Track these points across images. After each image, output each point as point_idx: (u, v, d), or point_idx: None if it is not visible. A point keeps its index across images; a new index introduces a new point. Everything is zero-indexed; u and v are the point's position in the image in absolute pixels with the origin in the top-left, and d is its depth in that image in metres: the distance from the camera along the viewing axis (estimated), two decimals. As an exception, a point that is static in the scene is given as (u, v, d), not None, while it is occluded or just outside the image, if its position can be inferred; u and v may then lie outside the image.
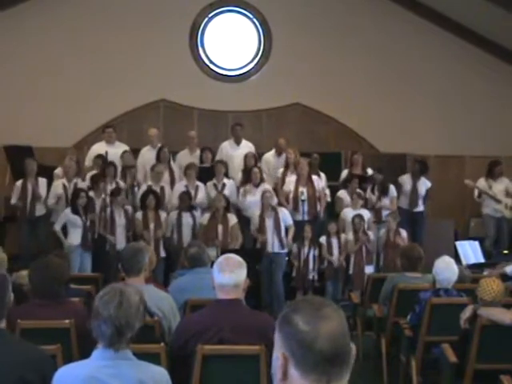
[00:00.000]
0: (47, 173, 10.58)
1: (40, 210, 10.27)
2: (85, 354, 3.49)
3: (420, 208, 10.99)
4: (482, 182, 11.48)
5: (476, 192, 11.49)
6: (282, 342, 1.89)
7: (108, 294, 3.23)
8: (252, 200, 10.13)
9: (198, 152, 11.14)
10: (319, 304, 1.92)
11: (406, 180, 11.09)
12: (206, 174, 10.54)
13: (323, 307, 1.89)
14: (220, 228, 9.63)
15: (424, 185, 11.06)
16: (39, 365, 3.27)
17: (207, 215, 9.82)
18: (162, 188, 10.26)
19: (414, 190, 10.95)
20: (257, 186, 10.19)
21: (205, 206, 10.25)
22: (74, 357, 4.20)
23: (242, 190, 10.35)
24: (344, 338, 1.85)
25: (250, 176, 10.30)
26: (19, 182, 10.30)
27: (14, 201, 10.32)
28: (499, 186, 11.42)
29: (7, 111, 12.55)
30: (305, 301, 1.98)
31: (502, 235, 11.38)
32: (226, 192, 10.23)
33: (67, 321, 4.48)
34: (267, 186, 10.24)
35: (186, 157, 11.04)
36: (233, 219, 9.76)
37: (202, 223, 9.78)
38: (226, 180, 10.43)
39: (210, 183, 10.37)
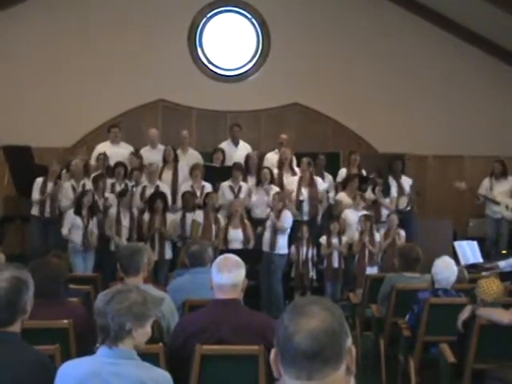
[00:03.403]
0: (46, 173, 10.56)
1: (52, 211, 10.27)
2: (83, 353, 3.49)
3: (407, 207, 10.95)
4: (485, 183, 11.46)
5: (479, 197, 11.45)
6: (275, 339, 1.92)
7: (107, 292, 3.30)
8: (258, 200, 10.14)
9: (190, 151, 11.16)
10: (307, 302, 1.94)
11: (390, 182, 11.00)
12: (213, 173, 10.54)
13: (309, 305, 1.91)
14: (214, 228, 9.64)
15: (407, 182, 11.01)
16: (39, 368, 3.26)
17: (201, 213, 9.79)
18: (157, 187, 10.25)
19: (400, 189, 10.90)
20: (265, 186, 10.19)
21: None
22: (72, 357, 4.20)
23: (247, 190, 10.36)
24: (328, 336, 1.85)
25: (260, 177, 10.29)
26: (40, 180, 10.24)
27: (36, 197, 10.18)
28: (503, 187, 11.38)
29: (6, 111, 12.54)
30: (299, 299, 2.03)
31: (501, 236, 11.36)
32: (242, 195, 10.24)
33: (66, 321, 4.48)
34: (274, 187, 10.22)
35: (179, 156, 11.00)
36: (222, 220, 9.77)
37: (196, 220, 9.75)
38: (242, 183, 10.43)
39: (225, 184, 10.35)
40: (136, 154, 10.88)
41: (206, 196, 9.88)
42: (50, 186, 10.22)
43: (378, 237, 9.76)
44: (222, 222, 9.73)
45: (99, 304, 3.25)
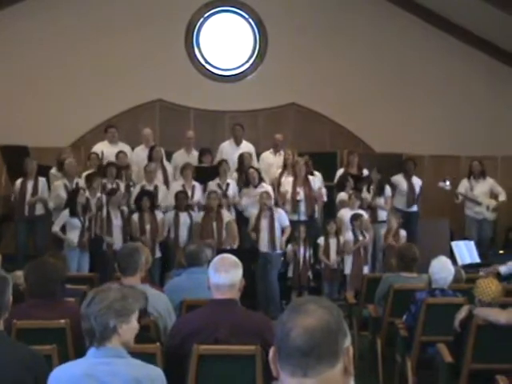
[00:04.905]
0: (44, 172, 10.56)
1: (39, 210, 10.25)
2: (81, 354, 3.49)
3: (415, 208, 11.01)
4: (464, 183, 11.45)
5: (458, 196, 11.45)
6: (274, 337, 1.93)
7: (87, 295, 3.32)
8: (249, 200, 10.14)
9: (194, 152, 11.15)
10: (305, 301, 1.96)
11: (400, 180, 11.07)
12: (204, 173, 10.53)
13: (307, 303, 1.93)
14: (214, 226, 9.64)
15: (417, 183, 11.09)
16: (32, 365, 3.26)
17: (201, 214, 9.82)
18: (156, 187, 10.26)
19: (411, 189, 10.96)
20: (255, 186, 10.19)
21: (201, 205, 10.22)
22: (70, 357, 4.19)
23: (241, 191, 10.35)
24: (324, 334, 1.86)
25: (247, 177, 10.29)
26: (19, 181, 10.28)
27: (13, 199, 10.29)
28: (482, 187, 11.35)
29: (3, 111, 12.53)
30: (299, 298, 2.07)
31: (484, 237, 11.34)
32: (230, 192, 10.24)
33: (63, 321, 4.47)
34: (266, 186, 10.22)
35: (182, 157, 11.04)
36: (227, 215, 9.76)
37: (197, 222, 9.78)
38: (229, 180, 10.42)
39: (213, 183, 10.34)
40: (123, 152, 10.85)
41: (208, 196, 9.89)
42: (29, 185, 10.22)
43: (368, 236, 9.80)
44: (228, 217, 9.73)
45: (81, 308, 3.27)
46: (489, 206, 11.23)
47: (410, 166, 11.18)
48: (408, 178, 11.06)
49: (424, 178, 11.47)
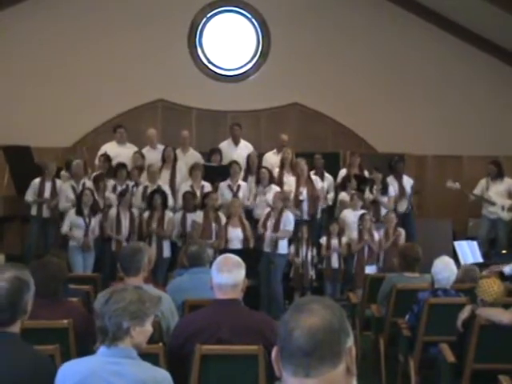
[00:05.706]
0: (43, 173, 10.58)
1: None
2: (83, 353, 3.49)
3: (408, 207, 10.99)
4: (482, 183, 11.44)
5: (470, 196, 11.45)
6: (277, 337, 1.92)
7: (104, 293, 3.32)
8: (260, 200, 10.12)
9: (191, 151, 11.17)
10: (309, 300, 1.95)
11: (391, 181, 11.00)
12: (213, 172, 10.53)
13: (311, 303, 1.92)
14: (214, 227, 9.61)
15: (408, 183, 11.04)
16: (40, 368, 3.25)
17: (201, 213, 9.76)
18: (159, 187, 10.26)
19: (401, 189, 10.91)
20: (265, 186, 10.16)
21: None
22: (72, 357, 4.19)
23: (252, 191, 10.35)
24: (326, 334, 1.85)
25: (258, 177, 10.28)
26: (37, 180, 10.31)
27: (29, 198, 10.28)
28: (498, 188, 11.34)
29: (4, 111, 12.54)
30: (302, 298, 2.05)
31: (499, 236, 11.33)
32: (241, 194, 10.22)
33: (65, 321, 4.48)
34: (275, 186, 10.19)
35: (178, 157, 10.98)
36: (223, 219, 9.73)
37: (198, 222, 9.73)
38: (240, 181, 10.41)
39: (223, 184, 10.33)
40: (141, 153, 10.88)
41: (206, 196, 9.85)
42: (47, 186, 10.24)
43: (376, 236, 9.76)
44: (224, 220, 9.69)
45: (97, 306, 3.28)
46: (504, 206, 11.22)
47: (400, 166, 11.13)
48: (398, 179, 11.00)
49: (427, 177, 11.45)
